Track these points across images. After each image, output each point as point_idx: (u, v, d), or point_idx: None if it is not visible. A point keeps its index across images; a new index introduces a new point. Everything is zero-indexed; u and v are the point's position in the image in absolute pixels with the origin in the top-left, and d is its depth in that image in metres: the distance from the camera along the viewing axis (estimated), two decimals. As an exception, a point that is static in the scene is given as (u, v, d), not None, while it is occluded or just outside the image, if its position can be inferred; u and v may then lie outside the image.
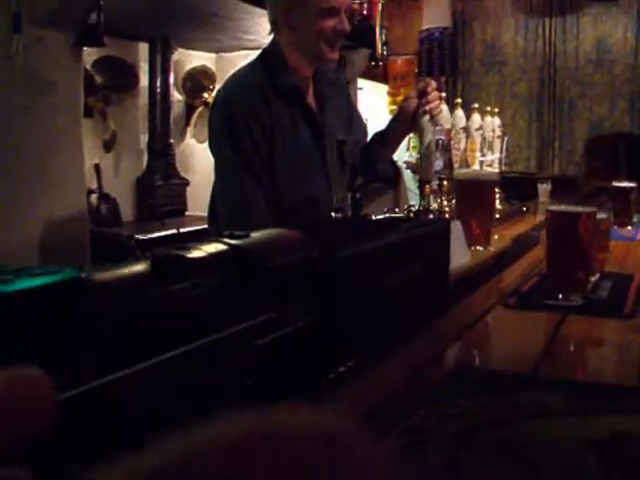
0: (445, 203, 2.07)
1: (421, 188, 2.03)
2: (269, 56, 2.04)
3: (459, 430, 0.69)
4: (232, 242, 0.64)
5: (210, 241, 0.65)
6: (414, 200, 2.21)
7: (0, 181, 2.36)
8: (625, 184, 2.73)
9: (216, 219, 2.02)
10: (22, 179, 2.45)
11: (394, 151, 2.28)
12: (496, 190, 2.26)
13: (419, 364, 0.92)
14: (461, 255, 1.53)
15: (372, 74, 5.01)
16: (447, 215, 1.99)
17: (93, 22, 2.64)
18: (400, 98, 4.98)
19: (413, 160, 2.08)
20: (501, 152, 2.82)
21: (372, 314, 0.86)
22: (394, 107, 4.92)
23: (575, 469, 0.62)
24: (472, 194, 1.89)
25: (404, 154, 2.41)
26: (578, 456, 0.64)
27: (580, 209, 1.30)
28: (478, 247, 1.82)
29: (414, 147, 2.09)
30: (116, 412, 0.46)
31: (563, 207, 1.35)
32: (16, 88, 2.41)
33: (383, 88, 5.56)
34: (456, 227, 1.57)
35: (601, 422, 0.73)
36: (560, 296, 1.31)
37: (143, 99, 3.88)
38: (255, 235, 0.69)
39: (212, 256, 0.60)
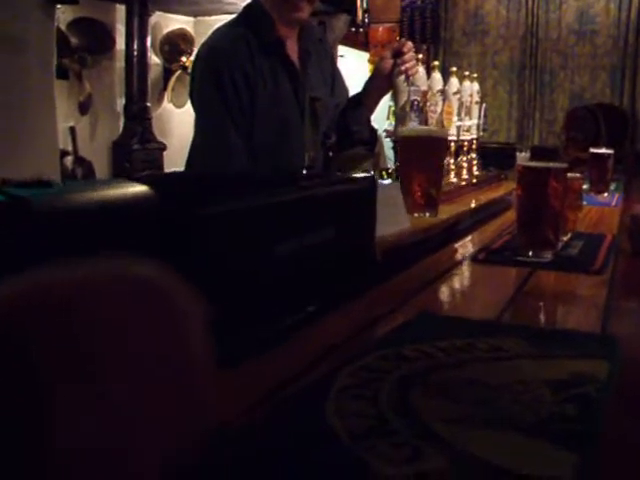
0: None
1: (395, 149, 2.00)
2: (252, 11, 2.07)
3: (413, 370, 0.68)
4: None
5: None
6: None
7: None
8: (603, 150, 2.73)
9: None
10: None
11: (371, 112, 2.26)
12: (447, 150, 2.09)
13: (374, 314, 0.90)
14: (397, 221, 1.33)
15: (353, 41, 4.97)
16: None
17: (66, -21, 2.59)
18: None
19: (392, 129, 2.06)
20: (479, 118, 2.80)
21: (259, 282, 0.74)
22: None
23: (529, 406, 0.61)
24: (417, 153, 1.64)
25: (384, 123, 2.38)
26: (534, 394, 0.63)
27: (551, 165, 1.29)
28: (422, 214, 1.57)
29: (394, 113, 2.06)
30: None
31: (534, 163, 1.33)
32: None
33: (364, 56, 5.51)
34: (392, 189, 1.43)
35: (560, 365, 0.72)
36: (530, 253, 1.30)
37: (120, 62, 3.83)
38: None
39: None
